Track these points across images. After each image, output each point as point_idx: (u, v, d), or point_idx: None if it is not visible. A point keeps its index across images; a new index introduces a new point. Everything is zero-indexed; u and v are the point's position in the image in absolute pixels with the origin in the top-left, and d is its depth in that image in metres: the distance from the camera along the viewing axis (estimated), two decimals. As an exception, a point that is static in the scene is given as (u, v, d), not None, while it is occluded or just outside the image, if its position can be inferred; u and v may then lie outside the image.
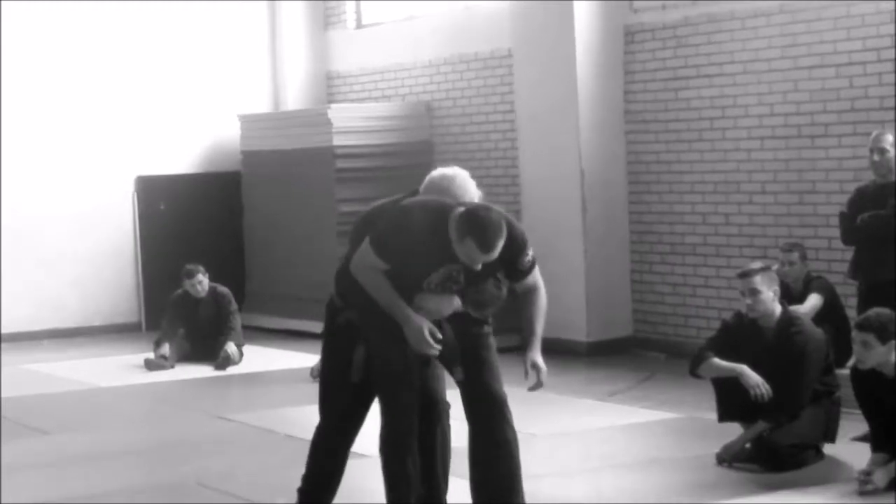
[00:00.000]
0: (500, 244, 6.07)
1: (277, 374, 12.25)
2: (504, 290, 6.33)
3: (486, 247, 6.03)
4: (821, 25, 11.08)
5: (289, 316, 14.89)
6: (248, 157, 15.81)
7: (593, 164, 12.68)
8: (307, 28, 16.49)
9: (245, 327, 13.42)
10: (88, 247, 15.49)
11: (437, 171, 6.65)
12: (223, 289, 13.07)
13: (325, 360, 6.73)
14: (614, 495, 7.64)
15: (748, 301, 8.08)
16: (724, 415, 8.23)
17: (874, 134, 9.30)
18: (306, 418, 7.19)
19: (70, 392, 11.67)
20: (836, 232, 9.68)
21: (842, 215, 9.39)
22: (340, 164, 14.46)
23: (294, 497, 6.84)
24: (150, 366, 12.57)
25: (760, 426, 7.94)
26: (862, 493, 7.25)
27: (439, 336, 6.22)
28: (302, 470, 6.80)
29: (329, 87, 16.48)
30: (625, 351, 12.66)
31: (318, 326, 7.12)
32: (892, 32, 10.54)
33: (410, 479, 6.37)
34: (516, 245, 6.24)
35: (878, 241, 9.00)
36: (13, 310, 14.99)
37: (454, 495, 6.67)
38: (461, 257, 6.11)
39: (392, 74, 15.48)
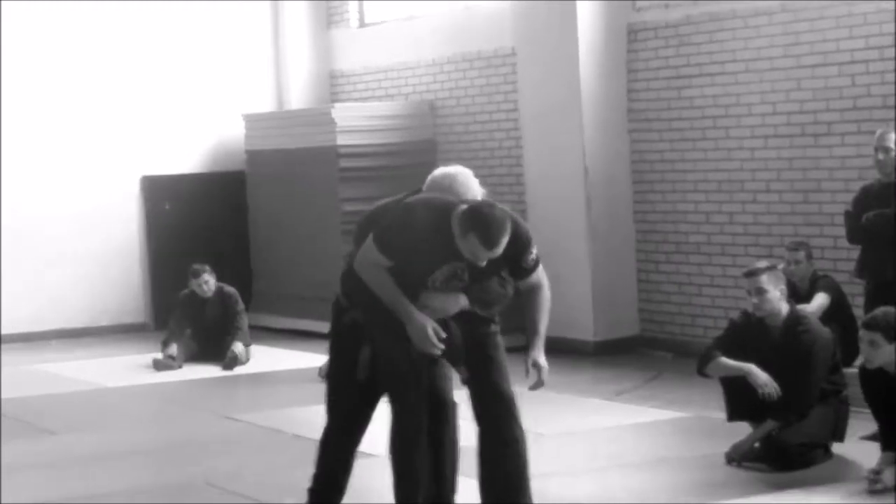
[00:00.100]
0: (505, 240, 6.07)
1: (285, 374, 12.26)
2: (509, 289, 6.34)
3: (490, 243, 6.04)
4: (823, 24, 11.09)
5: (296, 316, 14.89)
6: (253, 156, 15.82)
7: (597, 163, 12.68)
8: (310, 27, 16.49)
9: (252, 327, 13.42)
10: (94, 247, 15.50)
11: (439, 170, 6.66)
12: (230, 288, 13.07)
13: (332, 360, 6.75)
14: (622, 495, 7.65)
15: (755, 300, 8.08)
16: (733, 414, 8.23)
17: (878, 132, 9.31)
18: (314, 418, 7.20)
19: (77, 392, 11.69)
20: (842, 231, 9.69)
21: (847, 214, 9.40)
22: (344, 163, 14.48)
23: (302, 497, 6.84)
24: (157, 366, 12.59)
25: (769, 425, 7.94)
26: (871, 492, 7.26)
27: (443, 335, 6.24)
28: (309, 470, 6.80)
29: (332, 86, 16.48)
30: (631, 350, 12.67)
31: (324, 326, 7.11)
32: (894, 31, 10.54)
33: (418, 478, 6.38)
34: (520, 242, 6.25)
35: (884, 240, 9.01)
36: (19, 310, 15.00)
37: (463, 494, 6.67)
38: (465, 254, 6.12)
39: (395, 73, 15.49)
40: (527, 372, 6.37)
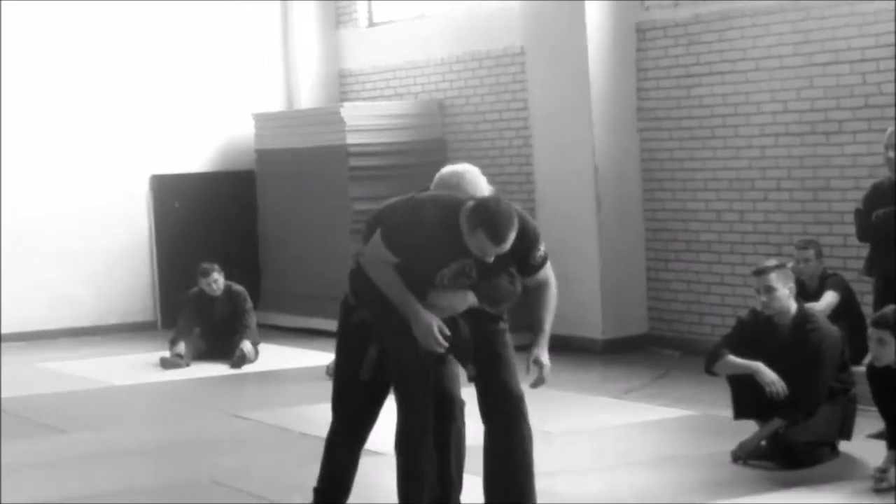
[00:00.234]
0: (512, 236, 6.06)
1: (292, 373, 12.26)
2: (518, 286, 6.33)
3: (498, 238, 6.03)
4: (833, 22, 11.06)
5: (304, 314, 14.89)
6: (262, 155, 15.83)
7: (607, 162, 12.66)
8: (319, 27, 16.49)
9: (260, 325, 13.41)
10: (103, 245, 15.51)
11: (447, 169, 6.67)
12: (238, 287, 13.07)
13: (339, 359, 6.74)
14: (629, 493, 7.63)
15: (763, 298, 8.06)
16: (740, 412, 8.22)
17: (889, 130, 9.25)
18: (321, 416, 7.19)
19: (85, 391, 11.69)
20: (852, 229, 9.65)
21: (857, 212, 9.37)
22: (354, 162, 14.47)
23: (309, 495, 6.84)
24: (165, 364, 12.59)
25: (776, 423, 7.92)
26: (877, 491, 7.24)
27: (447, 333, 6.22)
28: (316, 468, 6.80)
29: (342, 85, 16.48)
30: (640, 348, 12.65)
31: (332, 324, 7.11)
32: (905, 28, 10.54)
33: (424, 477, 6.37)
34: (528, 238, 6.24)
35: (893, 238, 8.97)
36: (28, 308, 15.02)
37: (469, 493, 6.66)
38: (473, 250, 6.11)
39: (404, 73, 15.48)
40: (527, 369, 6.36)
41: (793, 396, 7.87)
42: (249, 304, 13.03)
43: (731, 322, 8.96)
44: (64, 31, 15.31)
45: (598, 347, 12.58)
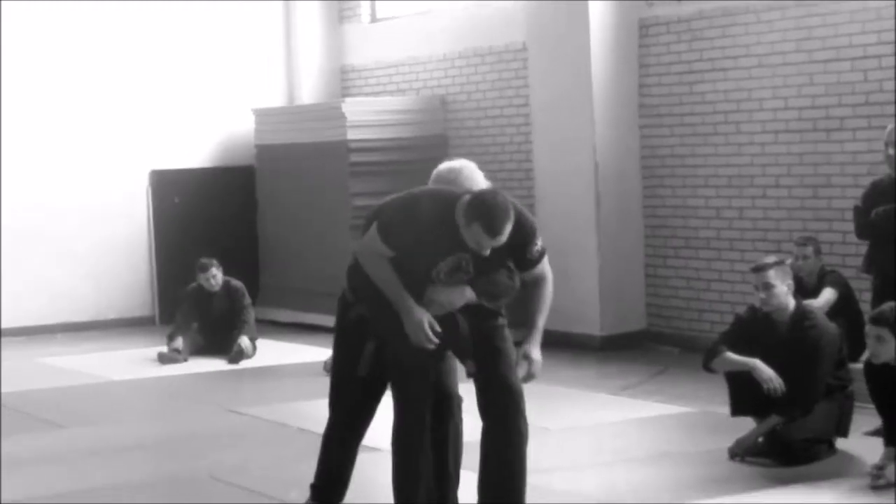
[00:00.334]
0: (508, 228, 6.04)
1: (290, 368, 12.26)
2: (517, 281, 6.32)
3: (494, 231, 6.02)
4: (836, 19, 11.05)
5: (302, 310, 14.89)
6: (263, 150, 15.82)
7: (607, 158, 12.65)
8: (322, 22, 16.48)
9: (258, 321, 13.42)
10: (102, 240, 15.50)
11: (445, 165, 6.68)
12: (237, 283, 13.07)
13: (336, 355, 6.73)
14: (626, 490, 7.62)
15: (762, 295, 8.06)
16: (737, 409, 8.21)
17: (889, 128, 9.24)
18: (319, 412, 7.18)
19: (83, 385, 11.68)
20: (851, 226, 9.63)
21: (856, 209, 9.35)
22: (355, 157, 14.46)
23: (307, 491, 6.84)
24: (163, 359, 12.58)
25: (773, 420, 7.92)
26: (874, 488, 7.25)
27: (438, 329, 6.21)
28: (314, 464, 6.80)
29: (343, 80, 16.47)
30: (638, 345, 12.64)
31: (331, 320, 7.10)
32: (907, 26, 10.53)
33: (420, 475, 6.35)
34: (525, 232, 6.22)
35: (892, 236, 8.96)
36: (27, 303, 15.01)
37: (465, 489, 6.65)
38: (469, 243, 6.10)
39: (406, 68, 15.47)
40: (517, 364, 6.35)
41: (790, 393, 7.86)
42: (247, 300, 13.02)
43: (730, 319, 8.94)
44: (63, 25, 15.29)
45: (596, 344, 12.57)
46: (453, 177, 6.52)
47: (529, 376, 6.35)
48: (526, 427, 6.38)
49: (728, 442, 8.10)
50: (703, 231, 12.30)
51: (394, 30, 15.80)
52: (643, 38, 12.71)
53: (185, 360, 12.59)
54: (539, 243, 6.32)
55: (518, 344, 6.40)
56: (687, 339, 12.24)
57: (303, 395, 10.55)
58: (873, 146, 10.44)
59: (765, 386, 7.88)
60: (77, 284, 15.36)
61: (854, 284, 10.12)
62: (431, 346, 6.21)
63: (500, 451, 6.36)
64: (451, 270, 6.24)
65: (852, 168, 10.93)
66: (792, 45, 11.40)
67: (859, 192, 9.57)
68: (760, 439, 8.00)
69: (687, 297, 12.48)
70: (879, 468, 7.29)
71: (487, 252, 6.11)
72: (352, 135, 14.45)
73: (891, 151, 9.12)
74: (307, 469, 6.89)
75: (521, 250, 6.26)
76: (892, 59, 10.63)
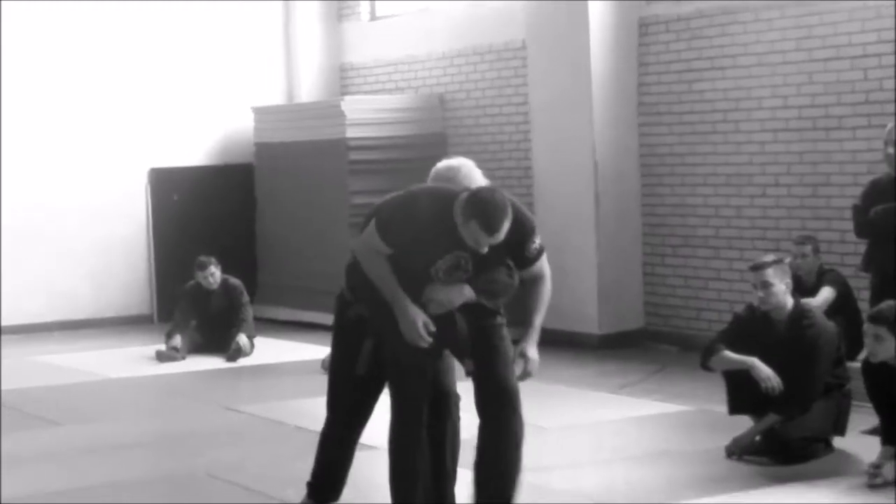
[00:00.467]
0: (506, 226, 6.03)
1: (288, 366, 12.25)
2: (516, 279, 6.31)
3: (491, 228, 6.01)
4: (835, 17, 11.05)
5: (300, 308, 14.89)
6: (262, 149, 15.81)
7: (606, 157, 12.65)
8: (321, 20, 16.47)
9: (256, 319, 13.41)
10: (101, 238, 15.49)
11: (443, 163, 6.67)
12: (235, 280, 13.07)
13: (335, 353, 6.73)
14: (624, 488, 7.61)
15: (760, 294, 8.05)
16: (735, 408, 8.21)
17: (888, 127, 9.24)
18: (317, 410, 7.18)
19: (81, 383, 11.67)
20: (850, 225, 9.63)
21: (855, 208, 9.35)
22: (353, 156, 14.45)
23: (304, 489, 6.84)
24: (161, 357, 12.57)
25: (771, 419, 7.91)
26: (871, 487, 7.25)
27: (432, 329, 6.20)
28: (311, 462, 6.81)
29: (343, 79, 16.46)
30: (636, 343, 12.63)
31: (329, 318, 7.09)
32: (907, 25, 10.52)
33: (417, 475, 6.35)
34: (523, 230, 6.22)
35: (891, 235, 8.96)
36: (25, 301, 15.01)
37: (462, 488, 6.64)
38: (467, 241, 6.09)
39: (406, 66, 15.46)
40: (513, 361, 6.34)
41: (788, 392, 7.86)
42: (246, 298, 13.02)
43: (728, 317, 8.95)
44: (62, 23, 15.29)
45: (594, 342, 12.56)
46: (452, 175, 6.51)
47: (525, 374, 6.34)
48: (521, 426, 6.37)
49: (726, 440, 8.10)
50: (701, 229, 12.30)
51: (393, 28, 15.79)
52: (642, 36, 12.70)
53: (184, 357, 12.58)
54: (537, 241, 6.31)
55: (516, 342, 6.39)
56: (685, 338, 12.23)
57: (301, 393, 10.55)
58: (873, 145, 10.43)
59: (763, 385, 7.88)
60: (75, 282, 15.35)
61: (853, 283, 10.11)
62: (425, 345, 6.20)
63: (495, 449, 6.35)
64: (449, 269, 6.22)
65: (851, 167, 10.93)
66: (791, 44, 11.39)
67: (858, 191, 9.56)
68: (758, 438, 8.00)
69: (685, 296, 12.48)
70: (877, 467, 7.29)
71: (485, 250, 6.10)
72: (351, 133, 14.44)
73: (890, 150, 9.11)
74: (304, 467, 6.90)
75: (519, 248, 6.25)
76: (892, 57, 10.62)
